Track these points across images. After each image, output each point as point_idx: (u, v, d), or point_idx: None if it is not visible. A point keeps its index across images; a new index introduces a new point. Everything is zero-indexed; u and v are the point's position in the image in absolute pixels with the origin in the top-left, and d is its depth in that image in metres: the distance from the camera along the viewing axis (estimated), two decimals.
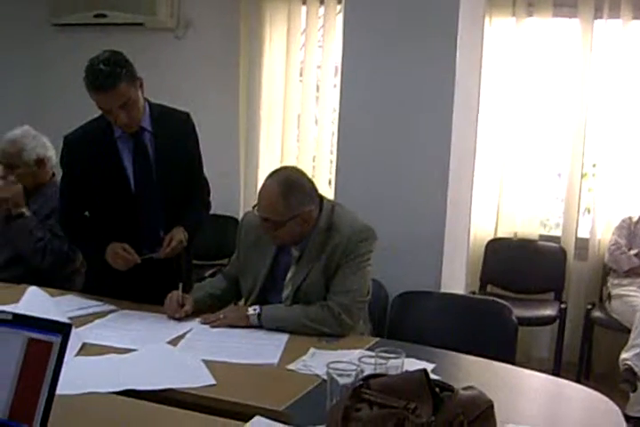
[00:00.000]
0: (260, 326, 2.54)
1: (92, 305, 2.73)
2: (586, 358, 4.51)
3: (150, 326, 2.54)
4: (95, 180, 2.83)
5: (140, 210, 2.85)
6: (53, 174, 3.39)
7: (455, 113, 3.34)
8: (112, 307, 2.74)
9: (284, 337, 2.46)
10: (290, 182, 2.51)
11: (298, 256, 2.64)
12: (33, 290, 2.50)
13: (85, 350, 2.22)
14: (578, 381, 4.20)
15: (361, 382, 1.69)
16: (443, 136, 3.35)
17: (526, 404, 2.13)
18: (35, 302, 2.36)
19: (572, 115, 4.61)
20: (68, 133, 2.91)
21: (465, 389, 1.72)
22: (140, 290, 2.81)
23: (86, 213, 2.98)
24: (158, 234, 2.85)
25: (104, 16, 5.13)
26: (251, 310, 2.56)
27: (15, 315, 1.64)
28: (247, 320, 2.55)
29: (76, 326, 2.36)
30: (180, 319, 2.60)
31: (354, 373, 1.80)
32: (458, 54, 3.30)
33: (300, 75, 5.05)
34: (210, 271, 4.54)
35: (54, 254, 3.21)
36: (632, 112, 4.49)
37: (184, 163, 2.93)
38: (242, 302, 2.84)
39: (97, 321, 2.56)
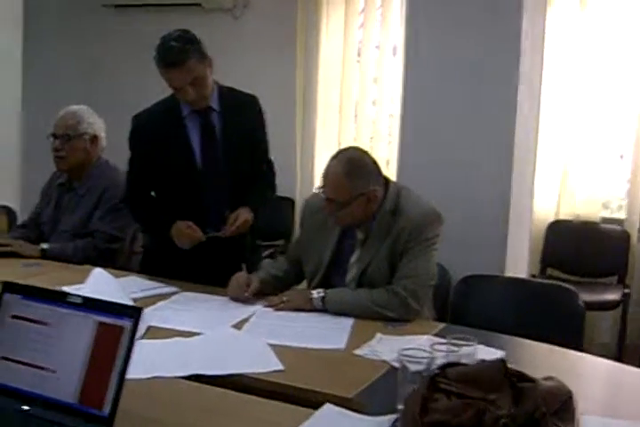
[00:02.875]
0: (323, 310, 2.50)
1: (155, 287, 2.71)
2: None
3: (214, 308, 2.51)
4: (163, 158, 2.83)
5: (205, 189, 2.85)
6: (99, 158, 3.36)
7: (519, 93, 3.26)
8: (174, 288, 2.72)
9: (350, 321, 2.41)
10: (353, 162, 2.49)
11: (363, 239, 2.58)
12: (98, 272, 2.48)
13: (150, 333, 2.19)
14: None
15: (438, 372, 1.64)
16: (507, 118, 3.30)
17: (600, 393, 2.06)
18: (100, 283, 2.35)
19: (637, 95, 4.45)
20: (136, 113, 2.92)
21: (545, 379, 1.66)
22: (202, 271, 2.79)
23: (152, 193, 2.98)
24: (223, 213, 2.83)
25: None
26: (315, 294, 2.52)
27: (85, 298, 1.62)
28: (311, 304, 2.50)
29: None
30: (244, 301, 2.57)
31: (425, 360, 1.74)
32: (522, 33, 3.23)
33: (358, 55, 4.97)
34: (266, 252, 4.48)
35: (97, 251, 3.18)
36: None
37: (250, 143, 2.92)
38: (304, 285, 2.80)
39: (160, 303, 2.53)
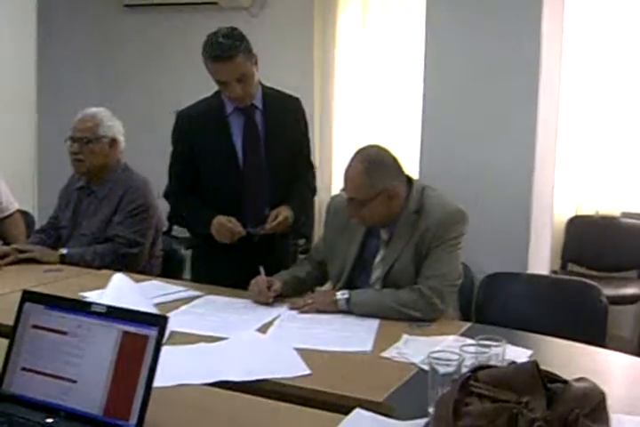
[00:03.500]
0: (348, 312, 2.47)
1: (176, 291, 2.68)
2: None
3: (237, 312, 2.48)
4: (205, 155, 2.86)
5: (246, 186, 2.87)
6: (118, 161, 3.32)
7: (540, 89, 3.23)
8: (196, 292, 2.69)
9: (375, 323, 2.38)
10: (372, 160, 2.49)
11: (387, 239, 2.57)
12: (119, 277, 2.46)
13: (173, 338, 2.15)
14: None
15: (469, 375, 1.61)
16: (528, 114, 3.26)
17: (627, 391, 2.01)
18: (121, 289, 2.32)
19: None
20: (181, 110, 2.95)
21: (577, 380, 1.63)
22: (240, 273, 2.74)
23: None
24: (263, 212, 2.85)
25: None
26: (339, 295, 2.49)
27: (109, 307, 1.60)
28: (335, 305, 2.48)
29: (163, 313, 2.30)
30: (268, 304, 2.55)
31: (455, 362, 1.72)
32: (543, 27, 3.20)
33: (376, 53, 4.93)
34: None
35: (117, 256, 3.15)
36: None
37: (292, 144, 2.95)
38: (327, 286, 2.79)
39: (182, 308, 2.51)
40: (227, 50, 2.65)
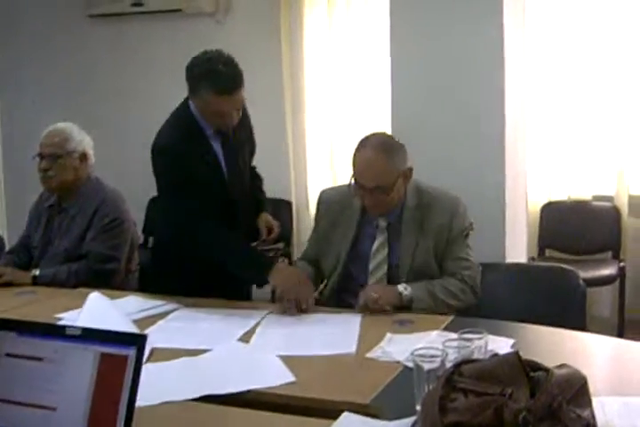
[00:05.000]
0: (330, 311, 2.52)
1: (154, 305, 2.62)
2: None
3: (217, 322, 2.45)
4: (202, 183, 2.68)
5: (236, 202, 2.81)
6: (89, 175, 3.25)
7: (506, 78, 3.27)
8: (175, 305, 2.64)
9: (357, 324, 2.37)
10: (387, 145, 2.53)
11: (385, 226, 2.62)
12: (93, 296, 2.42)
13: (155, 355, 2.11)
14: None
15: (452, 370, 1.61)
16: (496, 104, 3.31)
17: (609, 372, 2.07)
18: (97, 309, 2.28)
19: (620, 72, 4.45)
20: (160, 142, 2.73)
21: (559, 367, 1.64)
22: (211, 284, 2.72)
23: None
24: (254, 221, 2.87)
25: (141, 4, 5.08)
26: (401, 289, 2.51)
27: (84, 329, 1.56)
28: (401, 299, 2.49)
29: (142, 329, 2.30)
30: (247, 311, 2.53)
31: (439, 358, 1.72)
32: (504, 19, 3.26)
33: (345, 49, 4.91)
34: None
35: (92, 273, 3.08)
36: None
37: (252, 152, 2.94)
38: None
39: (160, 322, 2.46)
40: (232, 82, 2.52)
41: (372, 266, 2.62)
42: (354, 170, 2.54)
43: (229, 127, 2.70)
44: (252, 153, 2.97)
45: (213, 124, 2.69)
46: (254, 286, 2.91)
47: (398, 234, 2.62)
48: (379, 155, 2.48)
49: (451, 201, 2.62)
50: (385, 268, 2.62)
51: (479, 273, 2.64)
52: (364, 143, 2.55)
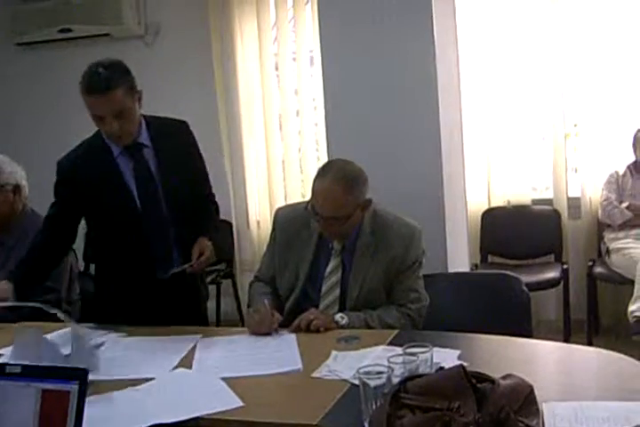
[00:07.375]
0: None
1: (94, 335, 2.51)
2: (593, 314, 4.51)
3: (152, 349, 2.39)
4: (98, 203, 2.69)
5: (148, 229, 2.72)
6: (24, 207, 3.21)
7: (440, 89, 3.30)
8: (104, 337, 2.54)
9: (293, 341, 2.37)
10: (348, 177, 2.49)
11: (340, 249, 2.61)
12: (22, 330, 2.33)
13: (95, 387, 2.00)
14: (588, 338, 4.31)
15: (398, 387, 1.62)
16: (430, 114, 3.33)
17: (556, 377, 2.08)
18: (28, 343, 2.16)
19: (548, 78, 4.60)
20: (61, 158, 2.77)
21: (504, 377, 1.66)
22: (156, 311, 2.70)
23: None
24: (171, 252, 2.75)
25: (69, 31, 5.01)
26: (338, 318, 2.51)
27: (24, 367, 1.54)
28: (336, 326, 2.50)
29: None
30: (177, 337, 2.49)
31: (385, 375, 1.72)
32: (435, 27, 3.29)
33: (276, 68, 4.97)
34: (209, 278, 4.41)
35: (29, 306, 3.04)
36: (609, 70, 4.48)
37: (189, 177, 2.80)
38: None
39: (98, 353, 2.32)
40: (104, 81, 2.47)
41: (324, 289, 2.61)
42: (312, 195, 2.52)
43: (119, 140, 2.63)
44: (196, 181, 2.87)
45: (106, 134, 2.63)
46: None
47: (351, 258, 2.61)
48: (339, 187, 2.45)
49: (407, 230, 2.60)
50: (337, 291, 2.61)
51: (426, 306, 2.63)
52: (325, 171, 2.52)
